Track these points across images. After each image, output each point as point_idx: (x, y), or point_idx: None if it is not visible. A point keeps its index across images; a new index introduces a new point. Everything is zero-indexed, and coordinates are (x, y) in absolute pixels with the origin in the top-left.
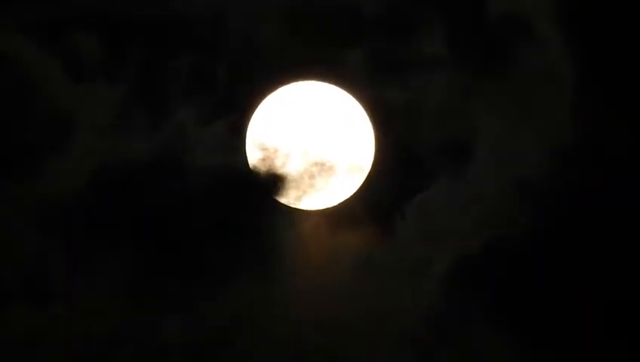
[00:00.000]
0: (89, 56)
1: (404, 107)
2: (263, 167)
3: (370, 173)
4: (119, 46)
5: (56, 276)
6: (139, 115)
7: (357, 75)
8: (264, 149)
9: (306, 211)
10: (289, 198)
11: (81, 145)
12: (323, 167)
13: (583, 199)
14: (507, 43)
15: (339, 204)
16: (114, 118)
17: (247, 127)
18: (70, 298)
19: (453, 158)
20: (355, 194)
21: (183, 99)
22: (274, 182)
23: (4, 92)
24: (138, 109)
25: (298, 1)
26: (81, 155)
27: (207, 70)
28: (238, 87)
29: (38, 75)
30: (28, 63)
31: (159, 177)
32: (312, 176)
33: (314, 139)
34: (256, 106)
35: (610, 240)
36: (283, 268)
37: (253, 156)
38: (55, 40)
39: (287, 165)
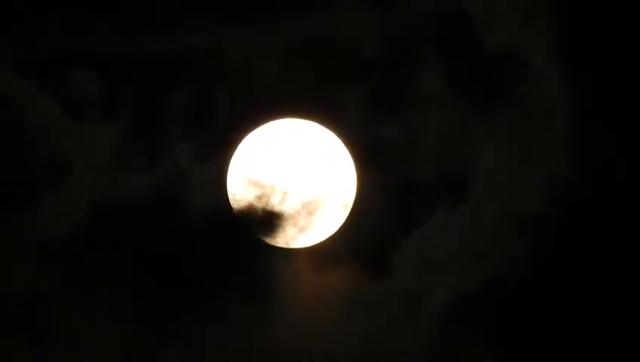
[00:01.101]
0: (87, 95)
1: (401, 143)
2: (259, 205)
3: (364, 208)
4: (116, 84)
5: (53, 311)
6: (137, 152)
7: (349, 115)
8: (260, 186)
9: (298, 249)
10: (285, 237)
11: (79, 183)
12: (315, 204)
13: (582, 231)
14: (504, 78)
15: (330, 241)
16: (112, 156)
17: (240, 163)
18: (68, 333)
19: (450, 192)
20: (348, 229)
21: (180, 135)
22: (270, 220)
23: (6, 132)
24: (136, 146)
25: (296, 39)
26: (79, 193)
27: (204, 107)
28: (233, 124)
29: (37, 115)
30: (28, 105)
31: (157, 214)
32: (309, 214)
33: (301, 178)
34: (245, 143)
35: (611, 272)
36: (276, 305)
37: (248, 193)
38: (53, 80)
39: (284, 203)
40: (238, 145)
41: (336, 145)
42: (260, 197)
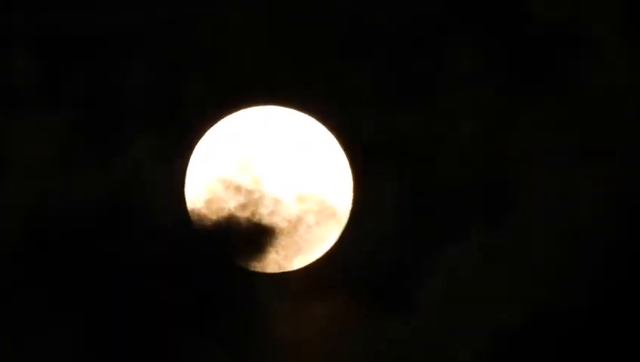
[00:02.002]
0: (25, 81)
1: (421, 140)
2: (243, 216)
3: (368, 222)
4: (61, 67)
5: None
6: (84, 149)
7: (349, 102)
8: (243, 192)
9: (291, 273)
10: (277, 259)
11: (13, 188)
12: (307, 215)
13: None
14: (555, 58)
15: (326, 262)
16: (55, 153)
17: (215, 162)
18: None
19: (486, 203)
20: (349, 248)
21: (138, 128)
22: (260, 235)
23: None
24: (83, 142)
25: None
26: (13, 201)
27: (166, 93)
28: (202, 113)
29: None
30: None
31: (109, 229)
32: (308, 227)
33: (291, 180)
34: (218, 135)
35: None
36: (268, 347)
37: (228, 201)
38: None
39: (278, 213)
40: (209, 139)
41: (328, 139)
42: (243, 206)
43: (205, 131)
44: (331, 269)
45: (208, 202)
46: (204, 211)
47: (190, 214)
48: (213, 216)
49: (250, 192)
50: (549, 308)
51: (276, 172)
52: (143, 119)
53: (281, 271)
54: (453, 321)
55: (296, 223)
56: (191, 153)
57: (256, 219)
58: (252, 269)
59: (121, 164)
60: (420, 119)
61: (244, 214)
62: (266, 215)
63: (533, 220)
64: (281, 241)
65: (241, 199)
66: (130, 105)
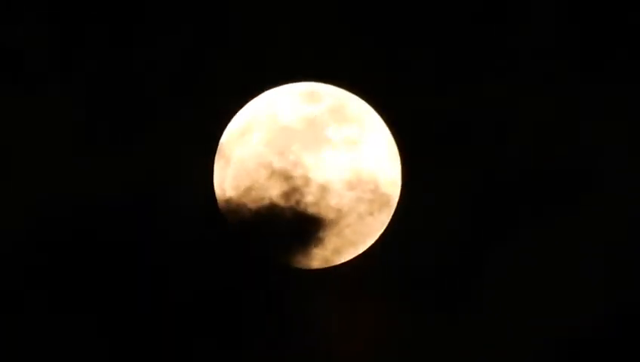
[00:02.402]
0: (34, 50)
1: (482, 125)
2: (286, 205)
3: (419, 212)
4: (72, 35)
5: None
6: (98, 132)
7: (396, 77)
8: (288, 178)
9: (334, 268)
10: (324, 251)
11: (17, 178)
12: (369, 204)
13: None
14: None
15: (379, 256)
16: (71, 132)
17: (252, 144)
18: None
19: (554, 194)
20: (407, 243)
21: (167, 104)
22: (305, 227)
23: None
24: (96, 124)
25: None
26: (17, 193)
27: (198, 63)
28: (233, 88)
29: None
30: None
31: (128, 221)
32: (360, 218)
33: (333, 165)
34: (251, 114)
35: None
36: (312, 350)
37: (271, 189)
38: None
39: (325, 202)
40: (247, 117)
41: (377, 121)
42: (286, 195)
43: (242, 108)
44: (381, 264)
45: (247, 190)
46: (242, 200)
47: (225, 203)
48: (252, 206)
49: (293, 179)
50: (625, 313)
51: (323, 156)
52: (171, 94)
53: (328, 266)
54: (515, 323)
55: (346, 213)
56: (226, 134)
57: (300, 208)
58: (295, 266)
59: (146, 145)
60: (480, 102)
61: (287, 203)
62: (311, 204)
63: (608, 213)
64: (329, 233)
65: (284, 187)
66: (157, 78)
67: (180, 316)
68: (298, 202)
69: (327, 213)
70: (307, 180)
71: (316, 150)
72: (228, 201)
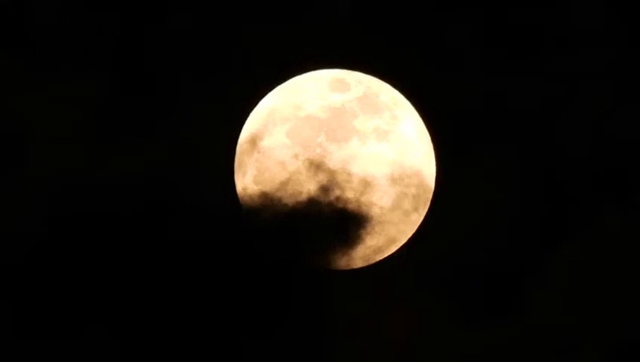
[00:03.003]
0: (52, 34)
1: (531, 109)
2: (325, 201)
3: (467, 203)
4: (94, 17)
5: None
6: (122, 120)
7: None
8: (325, 171)
9: (373, 267)
10: (366, 250)
11: (38, 168)
12: (414, 199)
13: None
14: None
15: (421, 254)
16: (90, 120)
17: (285, 133)
18: None
19: (611, 188)
20: (451, 240)
21: (188, 92)
22: (345, 224)
23: None
24: (122, 106)
25: None
26: (38, 183)
27: (224, 46)
28: (273, 73)
29: None
30: None
31: (156, 208)
32: (405, 214)
33: (369, 157)
34: (281, 101)
35: None
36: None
37: (308, 183)
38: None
39: (367, 197)
40: (280, 104)
41: (411, 110)
42: (325, 189)
43: (274, 95)
44: (423, 262)
45: (282, 184)
46: (277, 194)
47: (257, 198)
48: (289, 201)
49: (333, 172)
50: None
51: (363, 148)
52: (196, 81)
53: (368, 264)
54: (567, 326)
55: (390, 209)
56: (253, 122)
57: (340, 204)
58: (333, 267)
59: (169, 133)
60: (530, 84)
61: (326, 199)
62: (353, 199)
63: None
64: (371, 231)
65: (323, 180)
66: (180, 62)
67: (218, 319)
68: (338, 198)
69: (370, 210)
70: (348, 174)
71: (352, 141)
72: (261, 195)
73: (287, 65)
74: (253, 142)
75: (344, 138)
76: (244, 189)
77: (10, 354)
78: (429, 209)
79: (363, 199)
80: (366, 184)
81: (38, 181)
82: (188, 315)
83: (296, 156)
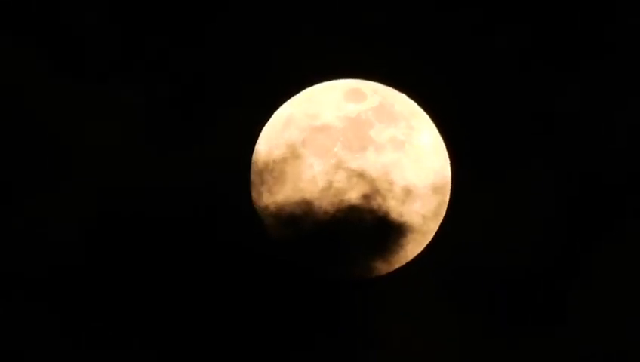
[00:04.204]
0: (96, 46)
1: (574, 120)
2: (366, 208)
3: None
4: (136, 26)
5: None
6: (166, 129)
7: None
8: (367, 180)
9: (410, 277)
10: (407, 259)
11: (83, 178)
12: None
13: None
14: None
15: (452, 264)
16: (133, 133)
17: (325, 141)
18: None
19: None
20: (485, 247)
21: (231, 102)
22: (386, 233)
23: None
24: (165, 122)
25: None
26: (82, 194)
27: (260, 56)
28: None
29: (16, 75)
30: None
31: (204, 218)
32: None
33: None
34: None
35: None
36: None
37: (350, 191)
38: (39, 21)
39: (409, 206)
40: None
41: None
42: (366, 197)
43: (289, 105)
44: (455, 272)
45: (322, 191)
46: (317, 202)
47: (296, 205)
48: (329, 209)
49: (374, 180)
50: None
51: (405, 156)
52: (235, 90)
53: (410, 274)
54: (612, 338)
55: (432, 218)
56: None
57: (382, 213)
58: (375, 274)
59: (210, 144)
60: (574, 91)
61: (366, 207)
62: (394, 208)
63: None
64: (413, 241)
65: (366, 188)
66: (221, 72)
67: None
68: (379, 206)
69: (411, 219)
70: (390, 182)
71: (400, 149)
72: (302, 202)
73: (302, 74)
74: (266, 152)
75: (361, 147)
76: (298, 194)
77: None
78: (447, 219)
79: (404, 208)
80: (407, 192)
81: (87, 190)
82: (233, 326)
83: (340, 164)
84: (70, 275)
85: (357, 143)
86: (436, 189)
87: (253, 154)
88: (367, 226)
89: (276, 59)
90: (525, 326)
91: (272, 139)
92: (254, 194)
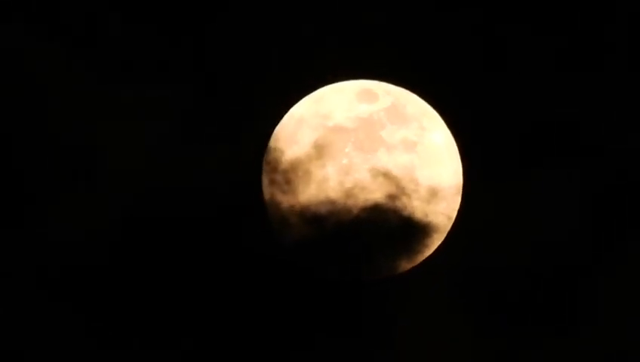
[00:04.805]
0: (132, 48)
1: (591, 122)
2: (391, 208)
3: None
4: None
5: None
6: (207, 129)
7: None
8: (392, 179)
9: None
10: (430, 260)
11: (113, 180)
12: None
13: None
14: None
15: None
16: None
17: (354, 141)
18: None
19: None
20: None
21: (243, 103)
22: (411, 233)
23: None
24: (205, 122)
25: None
26: (110, 195)
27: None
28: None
29: (46, 78)
30: (30, 60)
31: (236, 227)
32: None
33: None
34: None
35: None
36: None
37: (375, 191)
38: (69, 22)
39: (435, 207)
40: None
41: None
42: (392, 197)
43: (301, 105)
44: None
45: (347, 191)
46: (342, 201)
47: (322, 204)
48: (354, 209)
49: (399, 179)
50: None
51: (430, 156)
52: (246, 91)
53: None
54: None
55: (454, 218)
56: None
57: (406, 213)
58: (399, 271)
59: (222, 144)
60: (591, 94)
61: (391, 206)
62: (419, 208)
63: None
64: (438, 241)
65: (392, 188)
66: (232, 73)
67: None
68: (404, 206)
69: (437, 219)
70: (416, 183)
71: (426, 149)
72: (327, 201)
73: (314, 75)
74: (282, 152)
75: (372, 149)
76: (324, 193)
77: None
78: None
79: (429, 209)
80: (433, 193)
81: (118, 189)
82: (257, 327)
83: (367, 163)
84: (94, 276)
85: (368, 144)
86: (458, 190)
87: (271, 154)
88: (392, 226)
89: (288, 60)
90: (544, 326)
91: (292, 139)
92: (275, 194)
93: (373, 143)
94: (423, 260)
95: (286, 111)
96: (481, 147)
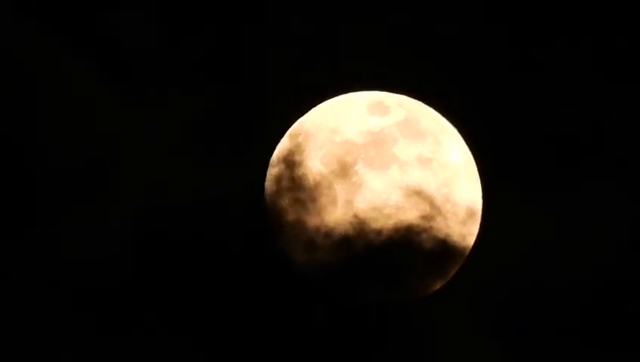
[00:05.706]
0: (143, 51)
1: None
2: (424, 229)
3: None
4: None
5: None
6: (219, 139)
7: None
8: (424, 198)
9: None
10: (466, 284)
11: (131, 186)
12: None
13: None
14: None
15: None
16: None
17: (385, 157)
18: None
19: None
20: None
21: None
22: (444, 255)
23: (11, 110)
24: (220, 131)
25: None
26: (129, 202)
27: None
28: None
29: (62, 82)
30: (44, 63)
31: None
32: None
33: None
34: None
35: None
36: None
37: (408, 211)
38: (86, 25)
39: (469, 228)
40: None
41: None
42: (426, 218)
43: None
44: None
45: (376, 209)
46: (370, 222)
47: (350, 224)
48: (384, 230)
49: (433, 199)
50: None
51: (466, 173)
52: (259, 102)
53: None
54: None
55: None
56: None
57: (441, 235)
58: (429, 291)
59: (230, 157)
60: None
61: (425, 227)
62: (455, 229)
63: None
64: (473, 264)
65: (425, 208)
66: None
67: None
68: (439, 228)
69: (472, 241)
70: (451, 203)
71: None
72: (355, 220)
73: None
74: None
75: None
76: (351, 212)
77: None
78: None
79: (464, 230)
80: (471, 213)
81: (134, 200)
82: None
83: (398, 182)
84: (117, 285)
85: (379, 161)
86: (475, 210)
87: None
88: (426, 249)
89: (300, 69)
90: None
91: (311, 155)
92: (300, 214)
93: (384, 160)
94: (442, 286)
95: (293, 123)
96: (501, 164)
